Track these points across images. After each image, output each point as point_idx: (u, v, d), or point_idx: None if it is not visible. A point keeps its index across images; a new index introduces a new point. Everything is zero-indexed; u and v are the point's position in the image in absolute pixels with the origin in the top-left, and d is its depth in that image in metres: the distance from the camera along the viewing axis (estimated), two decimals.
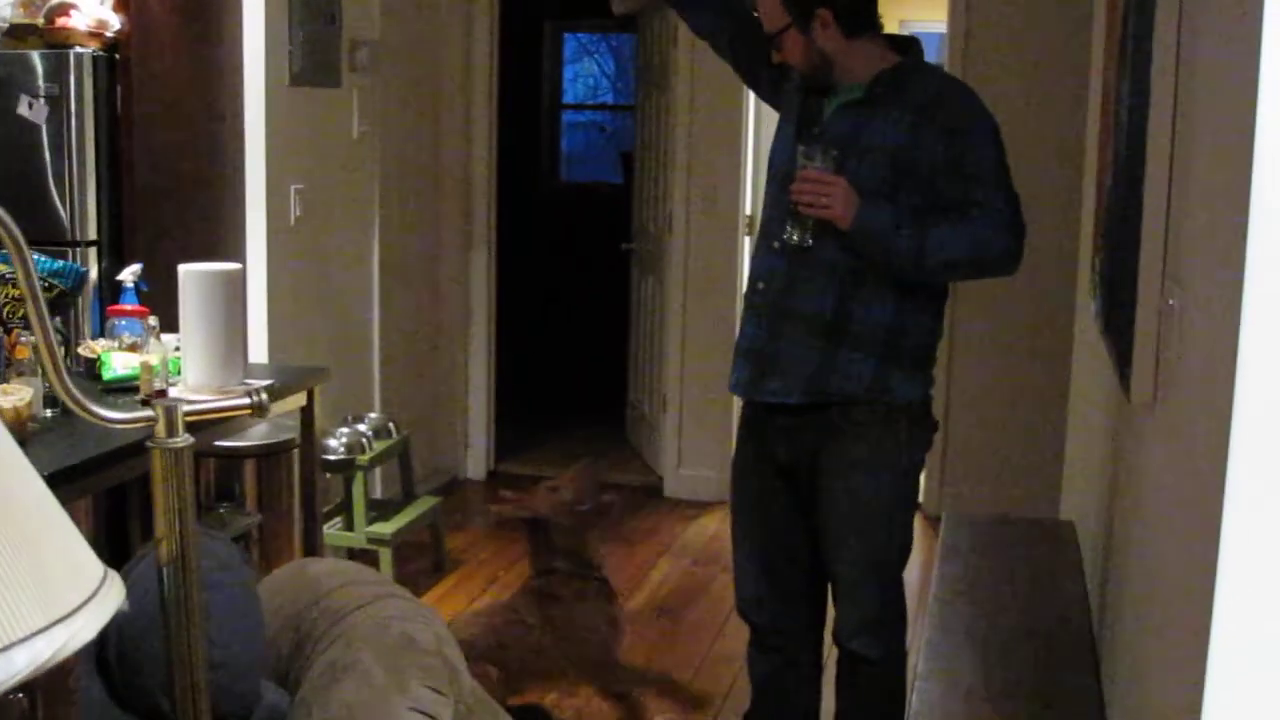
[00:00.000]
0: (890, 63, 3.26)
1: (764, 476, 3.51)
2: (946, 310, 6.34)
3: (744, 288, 6.57)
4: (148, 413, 1.29)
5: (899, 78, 3.24)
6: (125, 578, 1.60)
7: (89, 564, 0.97)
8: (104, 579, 0.97)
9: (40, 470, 0.99)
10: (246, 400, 1.46)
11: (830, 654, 3.67)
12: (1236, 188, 1.57)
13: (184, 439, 1.28)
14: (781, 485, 3.48)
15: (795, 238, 3.26)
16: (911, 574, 5.45)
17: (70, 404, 1.16)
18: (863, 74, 3.25)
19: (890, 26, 3.45)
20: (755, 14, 3.37)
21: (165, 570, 1.34)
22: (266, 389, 1.53)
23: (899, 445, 3.35)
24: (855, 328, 3.25)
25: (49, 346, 1.14)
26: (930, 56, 3.60)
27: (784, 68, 3.39)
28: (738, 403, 6.56)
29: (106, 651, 1.78)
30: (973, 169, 3.16)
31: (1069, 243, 5.37)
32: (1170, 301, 2.31)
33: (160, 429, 1.28)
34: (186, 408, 1.30)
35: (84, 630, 0.90)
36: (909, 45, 3.36)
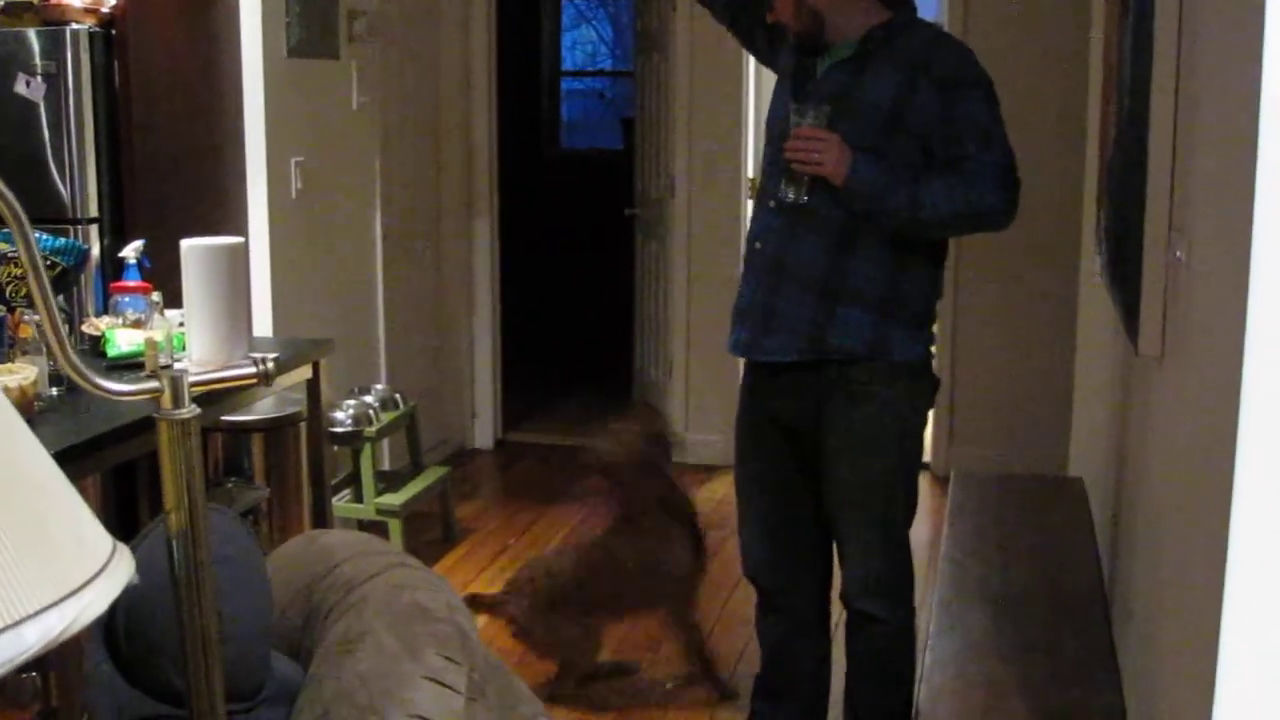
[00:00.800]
0: (882, 19, 3.26)
1: (767, 439, 3.51)
2: (950, 268, 6.37)
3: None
4: (153, 384, 1.29)
5: (890, 34, 3.24)
6: (133, 552, 1.60)
7: (98, 538, 0.97)
8: (113, 552, 0.97)
9: (47, 448, 0.99)
10: (252, 369, 1.45)
11: (839, 615, 3.67)
12: (1242, 137, 1.56)
13: (190, 409, 1.27)
14: (786, 447, 3.48)
15: (791, 195, 3.26)
16: (921, 533, 5.48)
17: (75, 376, 1.15)
18: (855, 32, 3.25)
19: None
20: None
21: (175, 542, 1.34)
22: (271, 358, 1.52)
23: (900, 404, 3.34)
24: (851, 285, 3.25)
25: (53, 323, 1.14)
26: (929, 13, 3.59)
27: (779, 29, 3.40)
28: (744, 365, 6.60)
29: (116, 628, 1.78)
30: (965, 124, 3.15)
31: (1072, 198, 5.35)
32: (1177, 254, 2.30)
33: (166, 400, 1.27)
34: (193, 378, 1.29)
35: (94, 604, 0.90)
36: (901, 2, 3.34)
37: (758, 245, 3.39)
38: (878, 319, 3.26)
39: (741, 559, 3.67)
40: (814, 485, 3.46)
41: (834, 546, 3.56)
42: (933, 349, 3.43)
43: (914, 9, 3.36)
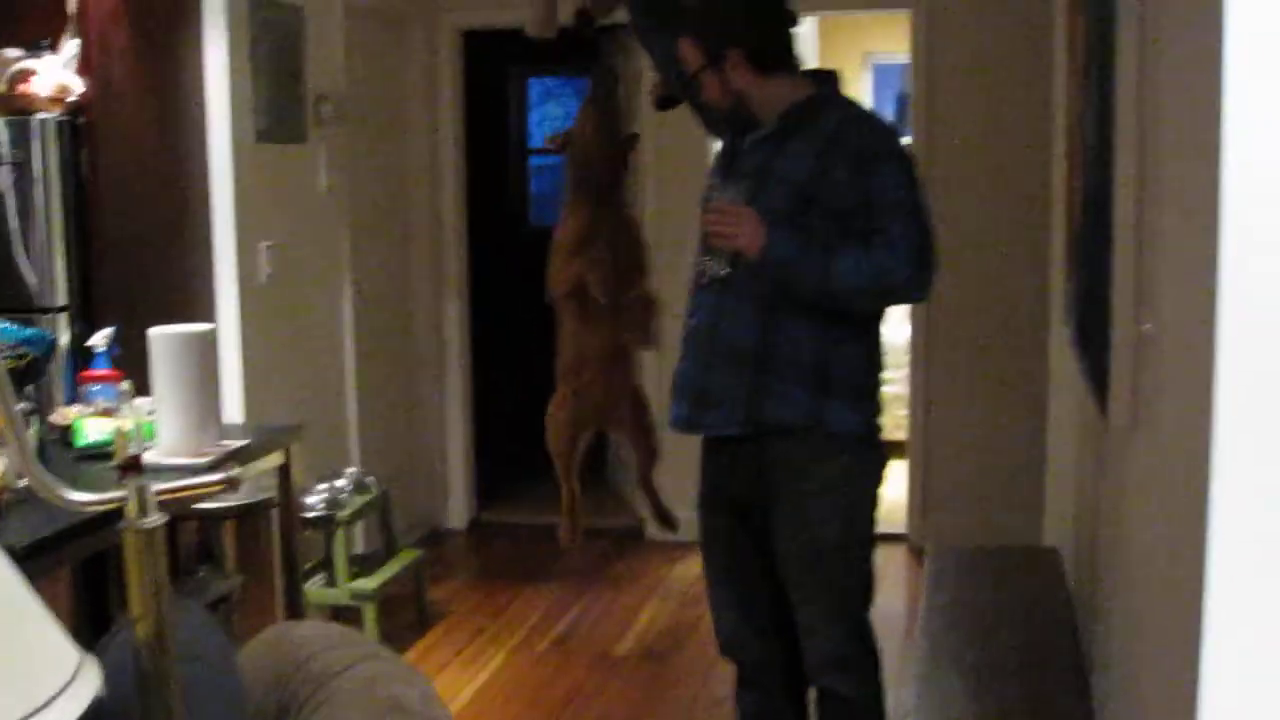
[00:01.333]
0: (804, 95, 3.32)
1: (721, 514, 3.51)
2: (920, 337, 6.38)
3: None
4: (118, 494, 1.27)
5: (810, 110, 3.29)
6: (101, 655, 1.58)
7: (64, 651, 0.95)
8: (79, 665, 0.95)
9: (16, 542, 0.98)
10: (219, 476, 1.44)
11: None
12: (1206, 209, 1.57)
13: (156, 519, 1.26)
14: (737, 521, 3.47)
15: (710, 269, 3.33)
16: (897, 606, 5.47)
17: (38, 489, 1.14)
18: (778, 108, 3.31)
19: (854, 59, 3.51)
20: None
21: (142, 652, 1.32)
22: (240, 452, 1.51)
23: (843, 478, 3.33)
24: (782, 356, 3.27)
25: (16, 431, 1.12)
26: (894, 88, 3.64)
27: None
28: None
29: None
30: (877, 198, 3.16)
31: (1040, 268, 5.39)
32: (1145, 325, 2.31)
33: (131, 509, 1.26)
34: (158, 487, 1.28)
35: None
36: (826, 79, 3.41)
37: (692, 322, 3.43)
38: (812, 390, 3.27)
39: (715, 635, 3.65)
40: (767, 560, 3.44)
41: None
42: (879, 420, 3.40)
43: (837, 84, 3.42)
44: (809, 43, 7.05)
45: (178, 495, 1.42)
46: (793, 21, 3.40)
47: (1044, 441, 5.43)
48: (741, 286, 3.28)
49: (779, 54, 3.35)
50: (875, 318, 3.42)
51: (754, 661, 3.60)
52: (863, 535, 3.40)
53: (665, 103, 3.92)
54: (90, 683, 0.94)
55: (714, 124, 3.65)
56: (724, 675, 4.89)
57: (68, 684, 0.91)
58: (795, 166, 3.24)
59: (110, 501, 1.27)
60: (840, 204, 3.19)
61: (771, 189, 3.25)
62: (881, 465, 3.44)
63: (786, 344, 3.26)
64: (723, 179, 3.36)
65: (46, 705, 0.88)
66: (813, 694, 3.58)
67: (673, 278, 6.57)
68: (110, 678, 1.08)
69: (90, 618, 4.08)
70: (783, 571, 3.39)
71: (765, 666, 3.59)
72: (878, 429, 3.40)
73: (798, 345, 3.26)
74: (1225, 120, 1.46)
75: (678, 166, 6.46)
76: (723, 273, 3.30)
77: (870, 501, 3.42)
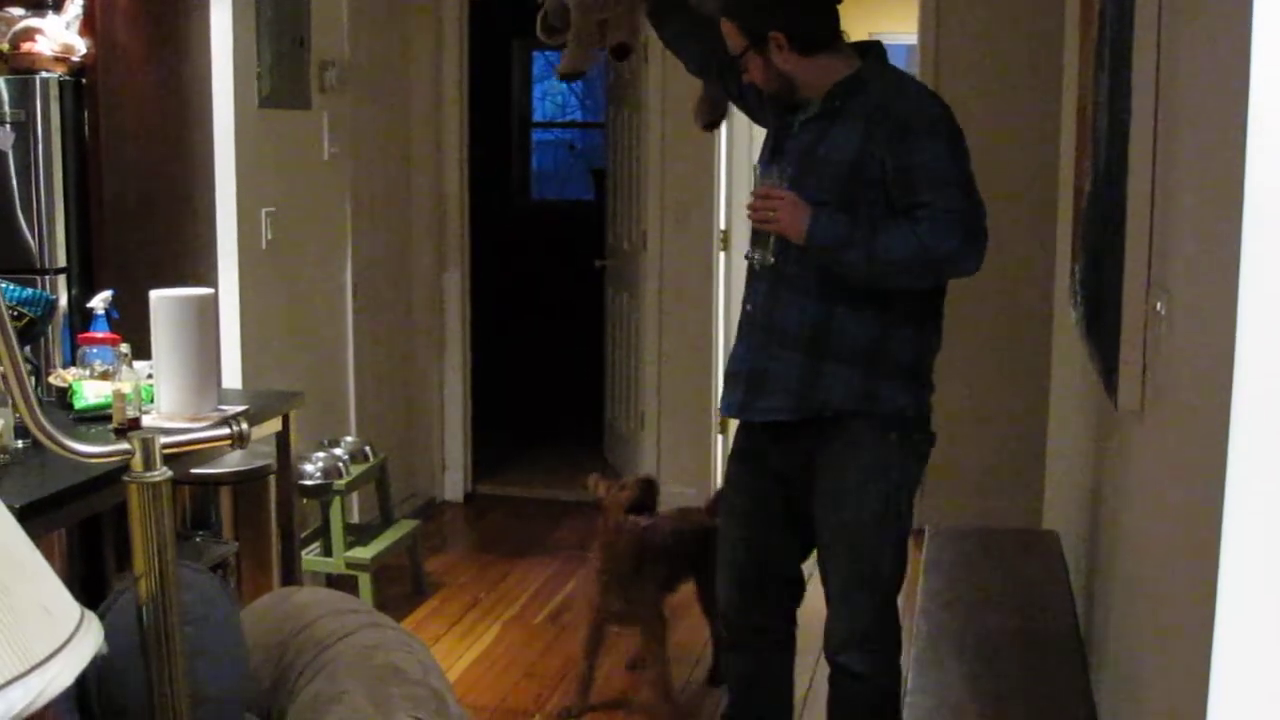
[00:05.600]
0: (849, 72, 3.30)
1: (758, 488, 3.55)
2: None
3: (719, 303, 6.61)
4: (124, 446, 1.24)
5: (853, 87, 3.28)
6: (103, 615, 1.55)
7: (64, 607, 0.93)
8: (80, 621, 0.93)
9: (13, 503, 0.96)
10: (226, 430, 1.42)
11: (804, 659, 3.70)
12: (1227, 186, 1.54)
13: (162, 472, 1.24)
14: (776, 489, 3.51)
15: (758, 256, 3.34)
16: None
17: (42, 439, 1.11)
18: (824, 88, 3.30)
19: (859, 37, 3.46)
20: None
21: (145, 608, 1.30)
22: (242, 415, 1.48)
23: (890, 457, 3.35)
24: (836, 340, 3.28)
25: (19, 378, 1.10)
26: (900, 66, 3.60)
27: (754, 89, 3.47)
28: (716, 419, 6.58)
29: (88, 692, 1.74)
30: (920, 171, 3.16)
31: (1045, 250, 5.36)
32: (1157, 306, 2.28)
33: (137, 463, 1.23)
34: (165, 440, 1.25)
35: (60, 676, 0.86)
36: (869, 50, 3.38)
37: (748, 308, 3.45)
38: (865, 373, 3.29)
39: (716, 593, 3.74)
40: (798, 531, 3.49)
41: (801, 589, 3.66)
42: (930, 400, 3.42)
43: (880, 56, 3.39)
44: None
45: (185, 449, 1.40)
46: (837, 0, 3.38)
47: (1045, 425, 5.41)
48: (795, 271, 3.29)
49: (823, 34, 3.33)
50: (931, 297, 3.41)
51: (748, 624, 3.64)
52: (901, 517, 3.43)
53: (711, 125, 3.99)
54: (92, 639, 0.92)
55: (757, 110, 3.66)
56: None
57: (68, 640, 0.89)
58: (841, 146, 3.24)
59: (116, 454, 1.25)
60: (884, 178, 3.18)
61: (819, 170, 3.25)
62: (928, 446, 3.46)
63: (840, 329, 3.28)
64: (767, 163, 3.36)
65: (46, 661, 0.85)
66: (816, 668, 3.61)
67: (677, 261, 6.57)
68: (114, 634, 1.06)
69: (85, 582, 4.06)
70: (819, 542, 3.45)
71: (758, 630, 3.64)
72: (929, 409, 3.42)
73: (852, 329, 3.28)
74: (1251, 99, 1.43)
75: (685, 156, 6.43)
76: (771, 259, 3.31)
77: (914, 482, 3.45)
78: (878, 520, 3.37)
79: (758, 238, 3.33)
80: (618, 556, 4.20)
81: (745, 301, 3.47)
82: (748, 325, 3.44)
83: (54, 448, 1.16)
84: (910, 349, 3.34)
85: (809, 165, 3.26)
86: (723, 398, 3.55)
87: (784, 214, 3.20)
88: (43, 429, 1.12)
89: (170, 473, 1.27)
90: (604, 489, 4.21)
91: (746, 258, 3.43)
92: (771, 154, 3.41)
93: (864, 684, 3.44)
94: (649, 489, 4.19)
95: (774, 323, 3.34)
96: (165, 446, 1.24)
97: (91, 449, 1.28)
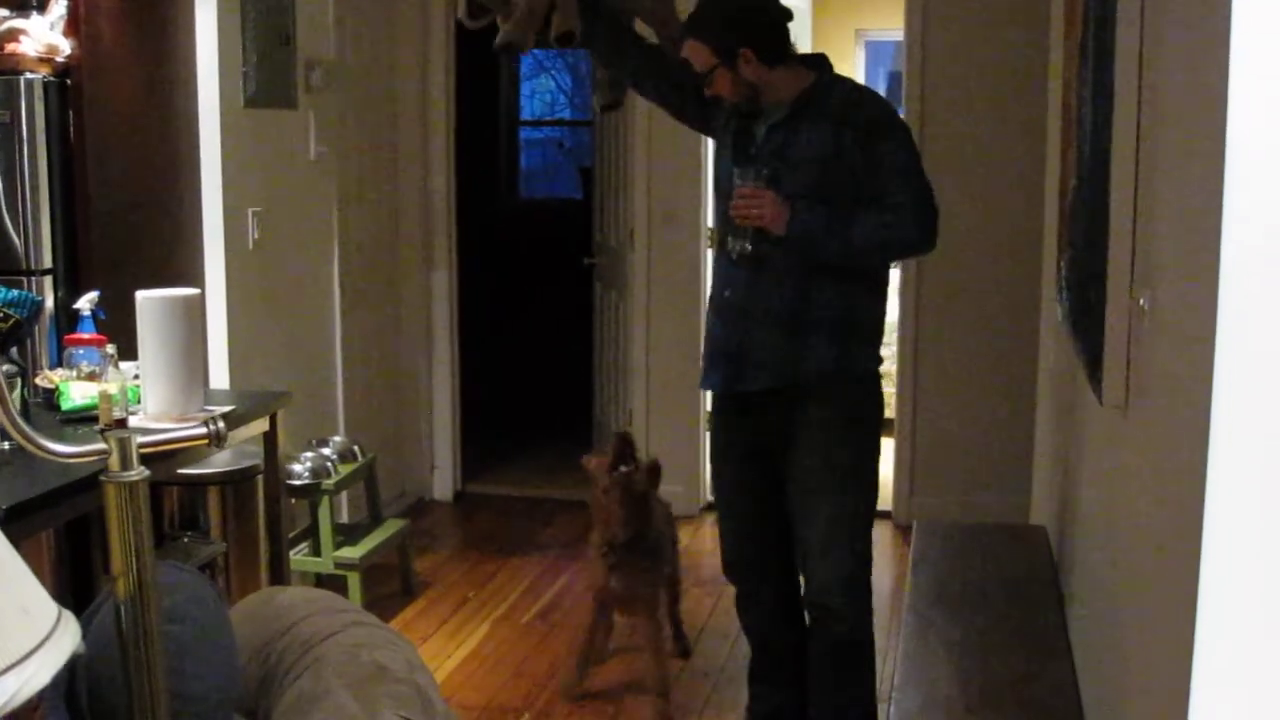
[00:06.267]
0: (809, 81, 3.69)
1: (739, 460, 3.91)
2: (910, 316, 6.40)
3: (707, 300, 6.60)
4: (100, 446, 1.24)
5: (817, 93, 3.67)
6: (93, 615, 1.55)
7: (42, 607, 0.93)
8: (58, 621, 0.93)
9: (1, 504, 0.95)
10: (203, 430, 1.42)
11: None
12: (1208, 182, 1.55)
13: (139, 472, 1.24)
14: (754, 464, 3.86)
15: (738, 248, 3.69)
16: (884, 583, 5.47)
17: (17, 437, 1.11)
18: (786, 95, 3.68)
19: (846, 35, 3.71)
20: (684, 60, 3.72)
21: (123, 607, 1.30)
22: (226, 416, 1.48)
23: (859, 407, 3.76)
24: (814, 316, 3.66)
25: None
26: (886, 65, 3.82)
27: (714, 102, 3.78)
28: (705, 416, 6.58)
29: (77, 691, 1.73)
30: (885, 166, 3.57)
31: (1032, 246, 5.37)
32: (1141, 301, 2.29)
33: (114, 462, 1.23)
34: (141, 439, 1.25)
35: (38, 675, 0.86)
36: (820, 62, 3.79)
37: (726, 294, 3.79)
38: (841, 341, 3.68)
39: (721, 559, 4.06)
40: (779, 497, 3.83)
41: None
42: (881, 355, 3.86)
43: (831, 67, 3.80)
44: (802, 20, 7.00)
45: (161, 448, 1.40)
46: (789, 16, 3.76)
47: (1033, 419, 5.42)
48: (772, 260, 3.66)
49: (783, 47, 3.71)
50: (882, 269, 3.87)
51: (756, 580, 3.99)
52: (874, 457, 3.83)
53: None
54: (70, 639, 0.92)
55: (714, 120, 3.94)
56: (714, 649, 4.90)
57: (45, 639, 0.89)
58: (812, 146, 3.62)
59: (93, 453, 1.25)
60: (855, 173, 3.58)
61: (794, 169, 3.62)
62: (882, 393, 3.86)
63: (818, 306, 3.66)
64: (740, 165, 3.69)
65: (22, 660, 0.85)
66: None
67: (665, 258, 6.58)
68: (101, 635, 1.05)
69: (73, 583, 4.06)
70: (800, 499, 3.76)
71: (764, 584, 3.98)
72: (881, 362, 3.86)
73: (827, 305, 3.66)
74: (1230, 96, 1.43)
75: (673, 155, 6.43)
76: (749, 249, 3.67)
77: (879, 426, 3.87)
78: (853, 464, 3.74)
79: (736, 230, 3.68)
80: (612, 513, 4.32)
81: (723, 288, 3.82)
82: (728, 310, 3.78)
83: (30, 447, 1.16)
84: (871, 315, 3.77)
85: (783, 164, 3.63)
86: (706, 376, 3.90)
87: (767, 210, 3.58)
88: (17, 428, 1.12)
89: (148, 472, 1.27)
90: (593, 463, 4.40)
91: (726, 248, 3.76)
92: (743, 157, 3.73)
93: (840, 622, 3.75)
94: (623, 442, 4.40)
95: (754, 306, 3.70)
96: (142, 446, 1.24)
97: (67, 449, 1.28)
